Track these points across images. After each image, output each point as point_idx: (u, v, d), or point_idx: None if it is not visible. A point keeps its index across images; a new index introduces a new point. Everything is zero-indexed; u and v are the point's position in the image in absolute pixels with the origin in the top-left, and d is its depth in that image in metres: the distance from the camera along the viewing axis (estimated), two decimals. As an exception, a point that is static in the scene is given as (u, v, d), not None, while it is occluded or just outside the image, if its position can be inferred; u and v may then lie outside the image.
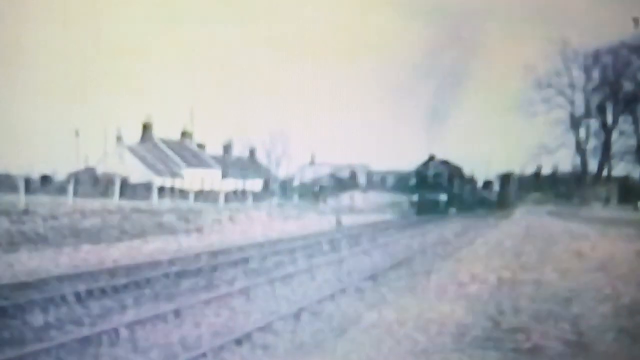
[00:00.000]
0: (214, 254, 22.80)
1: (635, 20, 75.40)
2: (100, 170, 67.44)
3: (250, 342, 10.94)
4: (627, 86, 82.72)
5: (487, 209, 68.01)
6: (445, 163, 67.14)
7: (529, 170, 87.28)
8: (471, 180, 73.67)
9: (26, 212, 28.94)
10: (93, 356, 10.31)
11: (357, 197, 71.09)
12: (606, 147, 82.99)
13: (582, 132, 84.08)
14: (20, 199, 33.95)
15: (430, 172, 65.62)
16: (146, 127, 77.92)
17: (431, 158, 66.80)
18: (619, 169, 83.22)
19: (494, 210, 67.78)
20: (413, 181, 67.27)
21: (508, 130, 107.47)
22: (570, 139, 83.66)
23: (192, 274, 18.07)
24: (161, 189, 56.41)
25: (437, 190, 63.43)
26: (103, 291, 15.10)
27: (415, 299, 14.77)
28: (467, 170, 72.86)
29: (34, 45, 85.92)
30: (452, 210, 62.85)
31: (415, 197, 63.98)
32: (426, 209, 59.98)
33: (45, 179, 63.04)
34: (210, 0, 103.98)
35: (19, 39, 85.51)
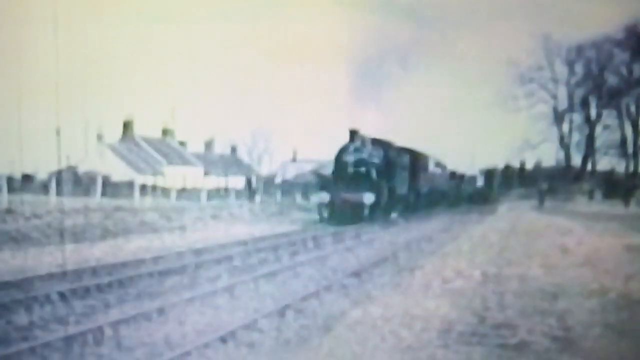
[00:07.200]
0: (197, 251, 22.69)
1: None
2: (81, 169, 67.18)
3: (235, 340, 10.89)
4: (611, 80, 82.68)
5: (469, 205, 65.55)
6: (380, 143, 41.03)
7: (513, 165, 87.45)
8: (454, 175, 70.22)
9: (9, 211, 28.80)
10: (78, 355, 10.24)
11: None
12: (590, 141, 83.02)
13: (566, 126, 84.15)
14: (3, 198, 33.77)
15: (350, 157, 39.85)
16: (127, 125, 77.58)
17: (353, 135, 40.32)
18: (604, 163, 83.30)
19: (477, 205, 65.56)
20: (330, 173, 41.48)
21: (491, 126, 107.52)
22: (554, 134, 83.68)
23: (176, 272, 17.99)
24: (143, 187, 56.14)
25: (360, 188, 37.95)
26: (87, 290, 15.03)
27: (400, 295, 14.74)
28: (450, 166, 66.02)
29: (15, 45, 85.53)
30: (393, 215, 40.02)
31: (326, 198, 37.98)
32: (341, 216, 36.74)
33: (27, 178, 62.75)
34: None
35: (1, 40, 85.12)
